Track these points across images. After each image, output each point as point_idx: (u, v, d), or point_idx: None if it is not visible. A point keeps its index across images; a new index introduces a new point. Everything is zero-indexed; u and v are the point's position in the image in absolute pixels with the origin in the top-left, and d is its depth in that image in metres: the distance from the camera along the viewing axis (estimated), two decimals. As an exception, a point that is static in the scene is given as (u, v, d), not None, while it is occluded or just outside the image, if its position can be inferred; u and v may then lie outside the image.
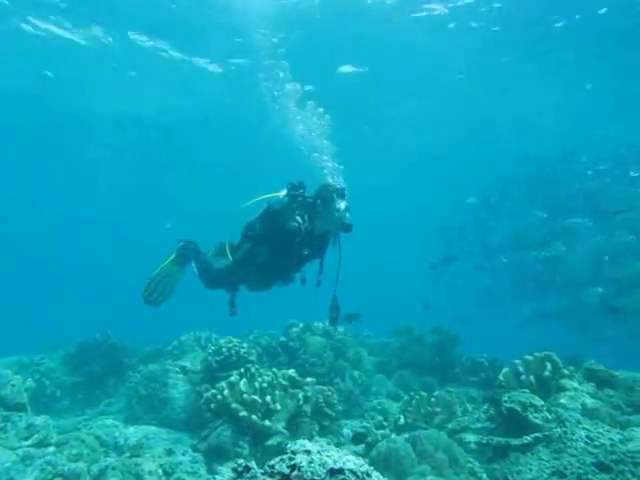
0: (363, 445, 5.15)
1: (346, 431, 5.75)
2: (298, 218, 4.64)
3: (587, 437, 3.78)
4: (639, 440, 3.61)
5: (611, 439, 3.69)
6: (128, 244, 33.72)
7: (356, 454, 4.86)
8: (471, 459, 4.73)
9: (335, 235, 4.94)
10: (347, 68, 15.27)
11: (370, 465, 4.51)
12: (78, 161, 24.05)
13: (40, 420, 4.78)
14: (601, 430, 3.83)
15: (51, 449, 4.44)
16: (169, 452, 4.79)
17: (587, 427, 3.91)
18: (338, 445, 5.37)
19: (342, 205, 4.64)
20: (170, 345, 7.90)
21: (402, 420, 5.58)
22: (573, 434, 3.85)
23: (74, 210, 30.33)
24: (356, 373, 7.25)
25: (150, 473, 4.36)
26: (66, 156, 23.49)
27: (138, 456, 4.64)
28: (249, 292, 5.39)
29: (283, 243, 4.74)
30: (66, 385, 7.03)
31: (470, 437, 4.98)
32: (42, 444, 4.58)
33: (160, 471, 4.47)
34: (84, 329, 7.96)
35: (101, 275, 37.51)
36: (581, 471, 3.44)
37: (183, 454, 4.79)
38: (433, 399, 5.78)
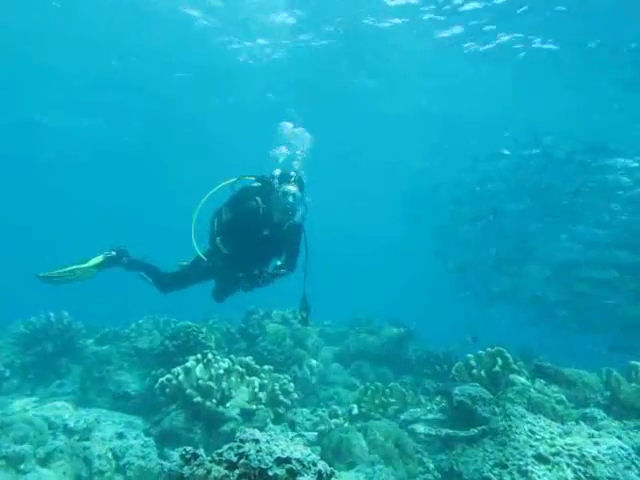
0: (316, 434, 5.21)
1: (300, 419, 5.80)
2: (258, 199, 4.78)
3: (530, 431, 3.94)
4: (576, 434, 3.79)
5: (552, 433, 3.86)
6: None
7: (309, 442, 4.95)
8: (420, 449, 4.87)
9: (297, 228, 5.00)
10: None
11: (321, 453, 4.59)
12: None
13: (-15, 400, 4.64)
14: (543, 424, 3.99)
15: (-4, 430, 4.32)
16: (120, 436, 4.72)
17: (530, 421, 4.08)
18: (293, 432, 5.44)
19: (288, 189, 4.72)
20: (127, 327, 7.77)
21: (356, 410, 5.67)
22: (517, 427, 4.01)
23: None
24: (314, 362, 7.31)
25: (99, 457, 4.31)
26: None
27: (88, 439, 4.56)
28: (217, 296, 5.41)
29: (243, 226, 4.81)
30: (16, 365, 6.81)
31: (421, 428, 5.11)
32: (-14, 425, 4.44)
33: (110, 455, 4.42)
34: (38, 309, 7.71)
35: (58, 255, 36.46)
36: (521, 462, 3.59)
37: (135, 438, 4.73)
38: (388, 390, 5.90)
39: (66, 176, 28.56)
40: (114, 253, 5.34)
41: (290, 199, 4.77)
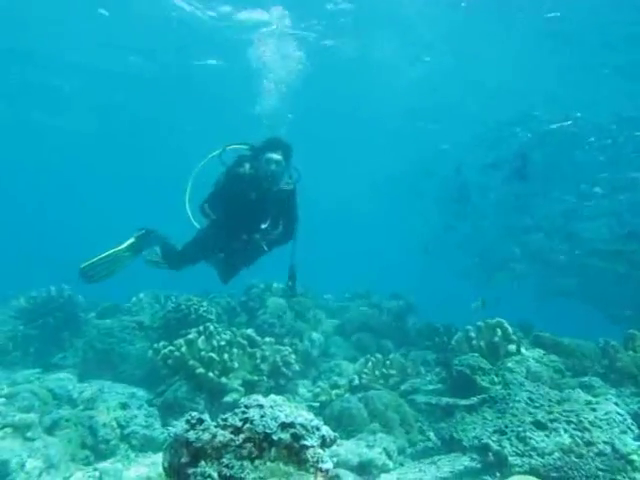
0: (317, 404, 5.29)
1: (302, 390, 5.88)
2: (246, 165, 4.84)
3: (528, 398, 4.00)
4: (573, 401, 3.85)
5: (550, 400, 3.92)
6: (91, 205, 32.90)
7: (312, 409, 5.02)
8: (421, 418, 4.95)
9: (289, 194, 5.00)
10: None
11: (324, 423, 4.65)
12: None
13: (-11, 372, 4.68)
14: (541, 392, 4.05)
15: (1, 400, 4.37)
16: (124, 406, 4.79)
17: (529, 389, 4.14)
18: (295, 403, 5.51)
19: (271, 156, 4.77)
20: (129, 302, 7.80)
21: (357, 381, 5.74)
22: (516, 395, 4.07)
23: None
24: (314, 335, 7.37)
25: (104, 425, 4.38)
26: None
27: (92, 409, 4.63)
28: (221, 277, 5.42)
29: (231, 191, 4.86)
30: (18, 337, 6.86)
31: (421, 398, 5.18)
32: (-9, 396, 4.49)
33: (114, 423, 4.49)
34: (39, 283, 7.73)
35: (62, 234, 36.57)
36: (520, 429, 3.65)
37: (138, 408, 4.81)
38: (388, 362, 5.96)
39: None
40: (143, 231, 5.33)
41: (273, 166, 4.79)
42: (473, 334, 5.44)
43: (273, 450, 2.01)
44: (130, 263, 5.28)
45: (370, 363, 5.96)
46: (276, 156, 4.80)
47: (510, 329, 5.41)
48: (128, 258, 5.21)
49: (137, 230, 5.32)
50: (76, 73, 17.13)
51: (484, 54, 14.02)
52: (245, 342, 5.50)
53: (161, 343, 5.72)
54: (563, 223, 13.78)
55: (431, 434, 4.69)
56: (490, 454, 3.58)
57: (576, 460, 3.27)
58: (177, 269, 5.43)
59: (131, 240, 5.23)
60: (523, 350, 5.21)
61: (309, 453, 2.01)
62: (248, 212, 4.93)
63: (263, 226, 5.04)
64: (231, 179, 4.91)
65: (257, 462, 1.97)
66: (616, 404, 3.84)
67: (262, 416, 2.15)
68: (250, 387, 5.25)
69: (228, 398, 4.92)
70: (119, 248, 5.12)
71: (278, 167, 4.82)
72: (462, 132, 17.00)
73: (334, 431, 4.64)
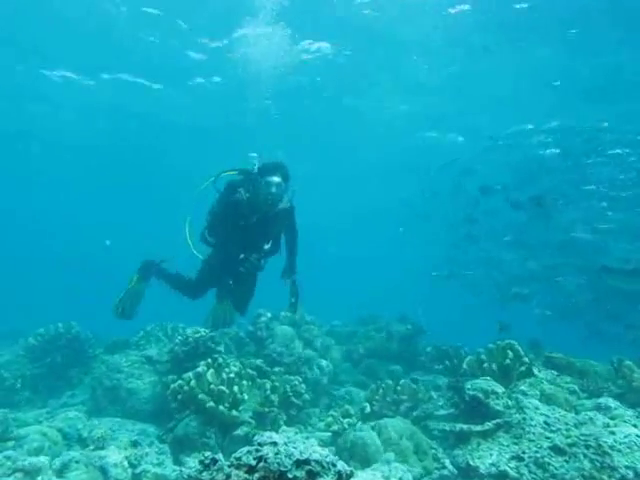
0: (329, 434, 5.21)
1: (313, 419, 5.80)
2: (241, 190, 4.95)
3: (545, 422, 3.93)
4: (591, 424, 3.78)
5: (566, 424, 3.85)
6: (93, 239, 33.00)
7: (323, 442, 4.95)
8: (435, 445, 4.87)
9: (288, 212, 5.13)
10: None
11: (336, 453, 4.58)
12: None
13: (-2, 414, 4.65)
14: (558, 415, 3.98)
15: (10, 443, 4.33)
16: (135, 444, 4.73)
17: (545, 413, 4.07)
18: (307, 433, 5.44)
19: (272, 179, 4.84)
20: (136, 335, 7.77)
21: (368, 408, 5.67)
22: (532, 420, 4.00)
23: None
24: (324, 362, 7.31)
25: (115, 465, 4.31)
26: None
27: (103, 448, 4.58)
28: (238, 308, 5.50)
29: (229, 217, 4.97)
30: (27, 377, 6.83)
31: (435, 424, 5.10)
32: (1, 439, 4.45)
33: (126, 463, 4.42)
34: (48, 320, 7.73)
35: (67, 269, 36.67)
36: (538, 455, 3.58)
37: (149, 445, 4.76)
38: (399, 387, 5.89)
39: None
40: (140, 264, 5.83)
41: (273, 189, 4.85)
42: (484, 357, 5.38)
43: (289, 489, 1.98)
44: (147, 288, 5.83)
45: (381, 390, 5.89)
46: (276, 179, 4.87)
47: (521, 350, 5.35)
48: (144, 287, 5.78)
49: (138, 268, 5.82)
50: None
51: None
52: (254, 373, 5.46)
53: (170, 377, 5.71)
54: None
55: (446, 461, 4.59)
56: (509, 482, 3.51)
57: (597, 486, 3.20)
58: (194, 298, 5.50)
59: (136, 275, 5.75)
60: (536, 372, 5.14)
61: (326, 491, 1.99)
62: (250, 235, 5.02)
63: (266, 247, 5.15)
64: (229, 205, 4.98)
65: (273, 503, 1.94)
66: (635, 426, 3.76)
67: (276, 453, 2.13)
68: (261, 419, 5.20)
69: (239, 431, 4.86)
70: (130, 286, 5.68)
71: (278, 189, 4.89)
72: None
73: (348, 461, 4.58)
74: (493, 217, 15.41)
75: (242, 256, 5.00)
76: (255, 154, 5.24)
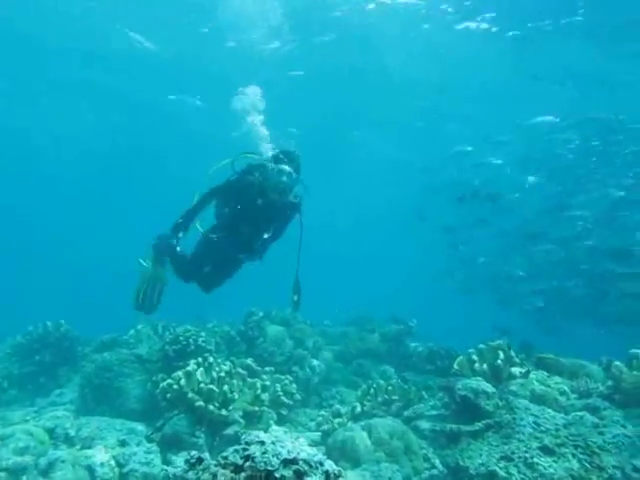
0: (319, 434, 5.19)
1: (303, 419, 5.78)
2: (256, 174, 4.95)
3: (534, 423, 3.93)
4: (581, 424, 3.78)
5: (556, 424, 3.86)
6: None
7: (313, 442, 4.93)
8: (425, 445, 4.85)
9: (292, 207, 5.08)
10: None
11: (326, 453, 4.56)
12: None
13: (-16, 412, 4.59)
14: (547, 416, 3.99)
15: (-4, 442, 4.27)
16: (123, 443, 4.68)
17: (535, 413, 4.07)
18: (297, 432, 5.41)
19: (283, 167, 4.84)
20: (126, 334, 7.71)
21: (359, 408, 5.65)
22: (522, 420, 4.00)
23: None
24: (315, 362, 7.28)
25: (102, 465, 4.26)
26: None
27: (90, 448, 4.52)
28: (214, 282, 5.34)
29: (239, 198, 4.94)
30: (14, 375, 6.75)
31: (425, 424, 5.09)
32: (-14, 438, 4.39)
33: (113, 462, 4.37)
34: (35, 320, 7.64)
35: (55, 269, 36.45)
36: (527, 455, 3.58)
37: (137, 445, 4.70)
38: (390, 387, 5.88)
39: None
40: (154, 241, 5.26)
41: (284, 178, 4.84)
42: (475, 357, 5.38)
43: (276, 489, 1.96)
44: (168, 273, 5.27)
45: (372, 390, 5.87)
46: (288, 168, 4.87)
47: (512, 351, 5.36)
48: (161, 272, 5.22)
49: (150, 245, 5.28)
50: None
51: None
52: (245, 372, 5.42)
53: (160, 376, 5.65)
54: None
55: (436, 461, 4.58)
56: (498, 482, 3.50)
57: (586, 486, 3.20)
58: (187, 280, 5.33)
59: (150, 254, 5.24)
60: (526, 372, 5.14)
61: (313, 491, 1.97)
62: (253, 220, 4.99)
63: (265, 236, 5.11)
64: (242, 185, 4.99)
65: (259, 503, 1.92)
66: (623, 426, 3.78)
67: (264, 453, 2.11)
68: (251, 418, 5.17)
69: (229, 431, 4.83)
70: (144, 269, 5.19)
71: (289, 179, 4.88)
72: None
73: (338, 461, 4.55)
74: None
75: (246, 246, 4.99)
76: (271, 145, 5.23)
